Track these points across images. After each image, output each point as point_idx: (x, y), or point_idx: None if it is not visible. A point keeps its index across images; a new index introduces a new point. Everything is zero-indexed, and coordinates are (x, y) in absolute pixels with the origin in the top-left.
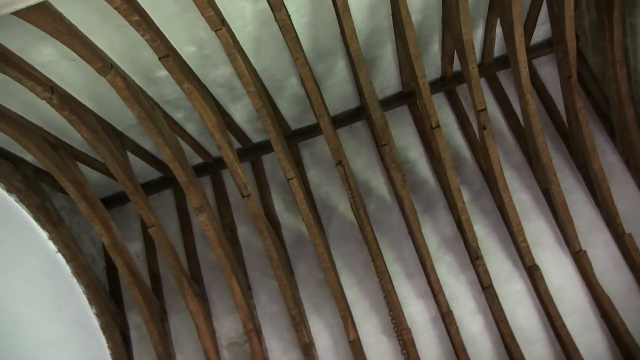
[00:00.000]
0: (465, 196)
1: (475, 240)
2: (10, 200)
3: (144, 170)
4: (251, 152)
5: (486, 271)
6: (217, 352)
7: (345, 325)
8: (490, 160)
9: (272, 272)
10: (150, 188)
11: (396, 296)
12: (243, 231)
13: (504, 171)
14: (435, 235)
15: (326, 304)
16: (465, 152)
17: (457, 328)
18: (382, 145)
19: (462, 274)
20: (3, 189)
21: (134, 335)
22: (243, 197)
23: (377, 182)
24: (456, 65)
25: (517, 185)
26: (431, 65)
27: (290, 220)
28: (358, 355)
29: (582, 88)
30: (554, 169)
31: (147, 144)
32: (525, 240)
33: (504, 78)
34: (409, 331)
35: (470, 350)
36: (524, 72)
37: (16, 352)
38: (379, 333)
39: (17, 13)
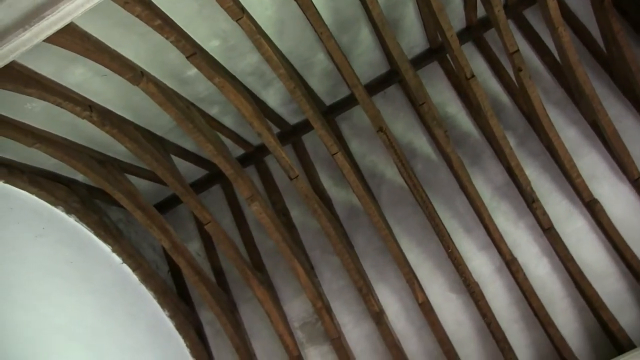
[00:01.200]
0: (512, 142)
1: (529, 184)
2: (71, 221)
3: (189, 171)
4: (291, 135)
5: (544, 213)
6: (291, 334)
7: (412, 288)
8: (531, 101)
9: (332, 248)
10: (198, 187)
11: (458, 252)
12: (296, 213)
13: (547, 110)
14: (487, 185)
15: (390, 271)
16: (504, 97)
17: (524, 274)
18: (419, 105)
19: (521, 219)
20: (63, 211)
21: (208, 331)
22: (291, 179)
23: (420, 142)
24: (480, 12)
25: (563, 122)
26: (455, 16)
27: (340, 195)
28: (430, 316)
29: (617, 10)
30: (598, 99)
31: (188, 144)
32: (579, 175)
33: (531, 16)
34: (476, 285)
35: (540, 294)
36: (552, 4)
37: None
38: (446, 291)
39: (46, 39)
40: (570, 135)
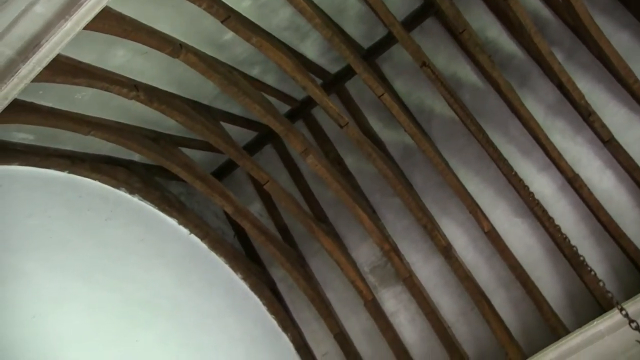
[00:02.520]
0: (559, 57)
1: (582, 97)
2: (135, 200)
3: (239, 135)
4: (334, 84)
5: (603, 125)
6: (363, 279)
7: (477, 218)
8: (575, 11)
9: (391, 190)
10: (250, 149)
11: (519, 176)
12: (350, 160)
13: (593, 18)
14: (539, 105)
15: (452, 204)
16: (545, 12)
17: (588, 190)
18: (459, 34)
19: (578, 135)
20: (126, 192)
21: (282, 287)
22: (341, 127)
23: (465, 71)
24: None
25: (612, 28)
26: None
27: (392, 136)
28: (497, 244)
29: None
30: None
31: (235, 108)
32: (637, 80)
33: None
34: (540, 206)
35: (608, 207)
36: None
37: (181, 330)
38: (511, 216)
39: (85, 26)
40: (623, 40)
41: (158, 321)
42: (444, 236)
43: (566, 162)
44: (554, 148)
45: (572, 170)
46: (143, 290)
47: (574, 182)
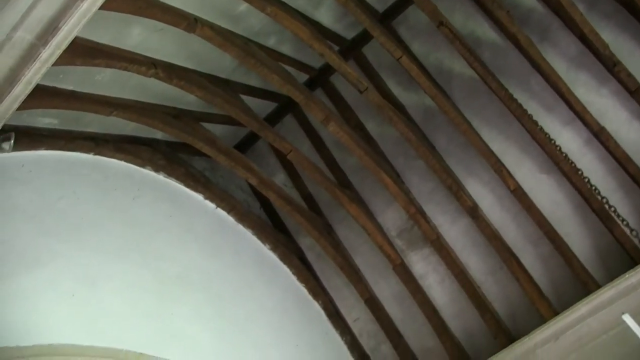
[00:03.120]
0: (581, 7)
1: (607, 47)
2: (161, 178)
3: (259, 107)
4: (350, 50)
5: (629, 74)
6: (390, 243)
7: (502, 177)
8: None
9: (414, 152)
10: (271, 121)
11: (543, 131)
12: (372, 125)
13: None
14: (561, 58)
15: (476, 164)
16: None
17: (615, 142)
18: None
19: (603, 86)
20: (151, 170)
21: (310, 256)
22: (361, 92)
23: (483, 29)
24: None
25: None
26: None
27: (412, 99)
28: (524, 201)
29: None
30: None
31: (253, 80)
32: None
33: None
34: (566, 161)
35: (636, 158)
36: None
37: (214, 301)
38: (537, 173)
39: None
40: None
41: (191, 294)
42: (469, 197)
43: (591, 116)
44: (578, 101)
45: (598, 123)
46: (174, 265)
47: (600, 135)
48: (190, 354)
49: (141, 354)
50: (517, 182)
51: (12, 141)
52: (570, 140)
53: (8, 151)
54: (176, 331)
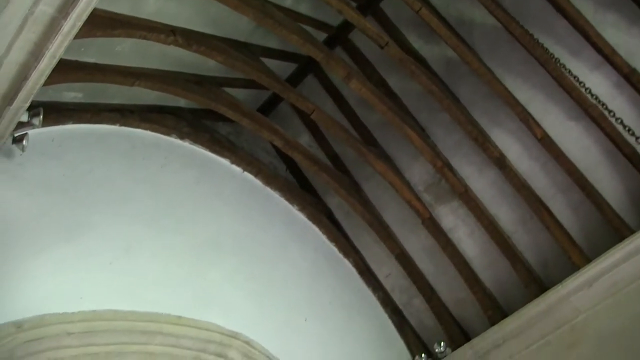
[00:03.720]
0: None
1: None
2: (187, 145)
3: (279, 68)
4: (368, 5)
5: None
6: (418, 198)
7: (528, 126)
8: None
9: (438, 105)
10: (292, 82)
11: (570, 76)
12: (394, 80)
13: None
14: (588, 0)
15: (502, 114)
16: None
17: None
18: None
19: (634, 26)
20: (177, 138)
21: (339, 215)
22: (382, 47)
23: None
24: None
25: None
26: None
27: (434, 51)
28: (552, 149)
29: None
30: None
31: (272, 42)
32: None
33: None
34: (595, 107)
35: None
36: None
37: (247, 264)
38: (564, 120)
39: None
40: None
41: (225, 258)
42: (496, 147)
43: (621, 58)
44: (606, 44)
45: (628, 65)
46: (206, 230)
47: (630, 77)
48: (226, 316)
49: (179, 317)
50: (544, 131)
51: (41, 116)
52: (598, 84)
53: (38, 126)
54: (212, 294)
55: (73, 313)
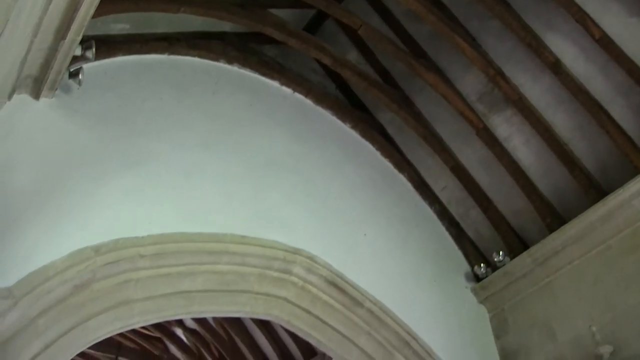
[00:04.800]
0: None
1: None
2: (235, 69)
3: None
4: None
5: None
6: (471, 108)
7: (585, 26)
8: None
9: (488, 12)
10: None
11: None
12: None
13: None
14: None
15: (556, 16)
16: None
17: None
18: None
19: None
20: (225, 63)
21: (391, 130)
22: None
23: None
24: None
25: None
26: None
27: None
28: (611, 50)
29: None
30: None
31: None
32: None
33: None
34: None
35: None
36: None
37: (305, 183)
38: (625, 18)
39: None
40: None
41: (282, 177)
42: (551, 52)
43: None
44: None
45: None
46: (262, 152)
47: None
48: (288, 233)
49: (243, 236)
50: (602, 30)
51: (93, 49)
52: None
53: (92, 59)
54: (273, 213)
55: (143, 237)
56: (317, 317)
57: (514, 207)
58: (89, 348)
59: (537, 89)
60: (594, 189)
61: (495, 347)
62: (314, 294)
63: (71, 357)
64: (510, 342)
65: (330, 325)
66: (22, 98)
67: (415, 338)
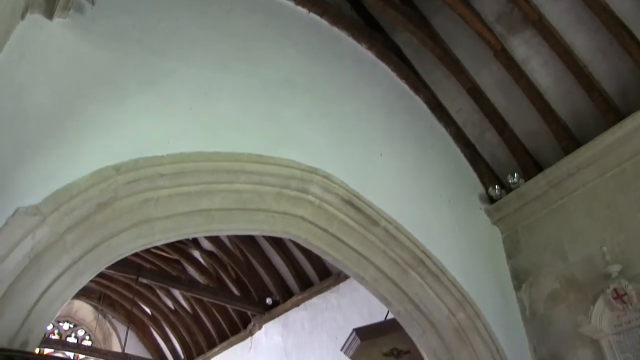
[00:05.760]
0: None
1: None
2: None
3: None
4: None
5: None
6: (489, 29)
7: None
8: None
9: None
10: None
11: None
12: None
13: None
14: None
15: None
16: None
17: None
18: None
19: None
20: None
21: (407, 51)
22: None
23: None
24: None
25: None
26: None
27: None
28: None
29: None
30: None
31: None
32: None
33: None
34: None
35: None
36: None
37: (321, 102)
38: None
39: None
40: None
41: (299, 97)
42: None
43: None
44: None
45: None
46: (278, 71)
47: None
48: (305, 153)
49: (260, 155)
50: None
51: None
52: None
53: None
54: (290, 132)
55: (162, 156)
56: (333, 236)
57: (530, 129)
58: (112, 269)
59: (557, 9)
60: (612, 112)
61: (507, 267)
62: (331, 213)
63: (98, 272)
64: (521, 262)
65: (346, 244)
66: (35, 18)
67: (429, 256)
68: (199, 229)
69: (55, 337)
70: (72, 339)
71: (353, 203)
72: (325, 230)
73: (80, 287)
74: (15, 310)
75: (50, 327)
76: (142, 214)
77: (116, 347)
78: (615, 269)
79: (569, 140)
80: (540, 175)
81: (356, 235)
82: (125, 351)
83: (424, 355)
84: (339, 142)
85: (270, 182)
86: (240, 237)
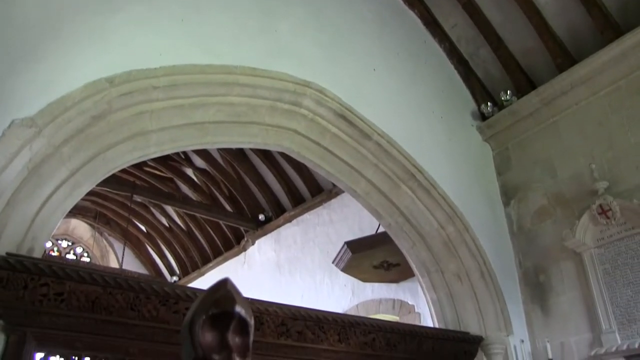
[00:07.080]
0: None
1: None
2: None
3: None
4: None
5: None
6: None
7: None
8: None
9: None
10: None
11: None
12: None
13: None
14: None
15: None
16: None
17: None
18: None
19: None
20: None
21: None
22: None
23: None
24: None
25: None
26: None
27: None
28: None
29: None
30: None
31: None
32: None
33: None
34: None
35: None
36: None
37: (316, 16)
38: None
39: None
40: None
41: (292, 10)
42: None
43: None
44: None
45: None
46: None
47: None
48: (298, 66)
49: (254, 68)
50: None
51: None
52: None
53: None
54: (283, 45)
55: (156, 68)
56: (326, 149)
57: (526, 46)
58: (106, 187)
59: None
60: (611, 29)
61: (496, 183)
62: (324, 126)
63: (96, 183)
64: (511, 178)
65: (339, 157)
66: None
67: (420, 170)
68: (193, 142)
69: (55, 254)
70: (71, 256)
71: (346, 117)
72: (317, 144)
73: (79, 198)
74: (20, 219)
75: (49, 244)
76: (137, 126)
77: (114, 264)
78: (602, 185)
79: (565, 57)
80: (533, 93)
81: (348, 149)
82: (123, 267)
83: (413, 266)
84: (332, 56)
85: (264, 95)
86: (233, 154)
